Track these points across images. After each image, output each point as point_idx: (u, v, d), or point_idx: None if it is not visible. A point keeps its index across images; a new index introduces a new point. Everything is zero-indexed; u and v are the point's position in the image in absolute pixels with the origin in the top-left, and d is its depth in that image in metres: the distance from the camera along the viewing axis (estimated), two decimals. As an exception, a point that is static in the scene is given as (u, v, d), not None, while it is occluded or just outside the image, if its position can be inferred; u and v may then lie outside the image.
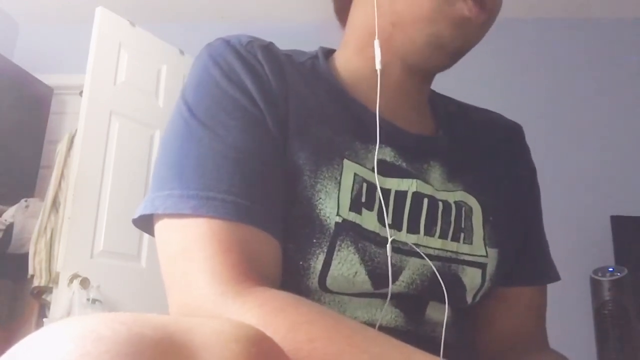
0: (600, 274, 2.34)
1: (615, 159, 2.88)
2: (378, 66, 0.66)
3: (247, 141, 0.59)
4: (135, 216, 0.60)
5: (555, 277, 0.78)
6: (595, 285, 2.33)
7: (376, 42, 0.67)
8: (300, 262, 0.60)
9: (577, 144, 2.88)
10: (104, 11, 2.56)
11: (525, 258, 0.76)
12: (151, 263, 2.53)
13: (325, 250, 0.60)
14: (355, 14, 0.73)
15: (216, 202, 0.55)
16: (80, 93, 2.55)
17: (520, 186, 0.78)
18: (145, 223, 0.60)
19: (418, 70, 0.70)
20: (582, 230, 2.70)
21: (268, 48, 0.67)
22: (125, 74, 2.59)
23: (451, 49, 0.65)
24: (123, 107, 2.56)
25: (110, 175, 2.44)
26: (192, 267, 0.53)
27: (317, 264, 0.60)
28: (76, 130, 2.56)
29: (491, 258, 0.69)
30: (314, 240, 0.60)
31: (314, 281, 0.60)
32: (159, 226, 0.58)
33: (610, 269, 2.34)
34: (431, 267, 0.64)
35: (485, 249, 0.70)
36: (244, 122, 0.60)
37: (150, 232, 0.60)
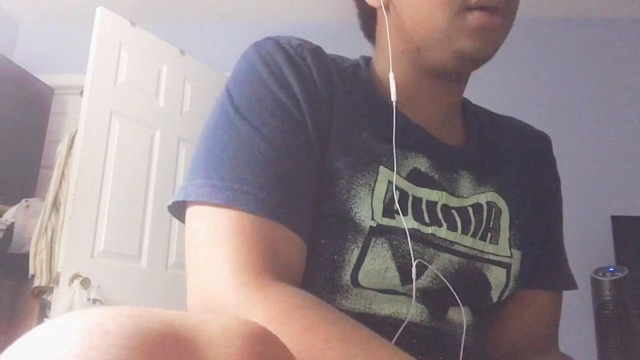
0: (600, 274, 2.34)
1: (615, 159, 2.88)
2: (393, 98, 0.67)
3: (285, 141, 0.60)
4: (169, 203, 0.61)
5: (572, 285, 0.79)
6: (596, 285, 2.33)
7: (391, 75, 0.68)
8: (335, 256, 0.61)
9: (577, 144, 2.88)
10: (104, 11, 2.56)
11: (543, 263, 0.77)
12: (152, 263, 2.52)
13: (360, 246, 0.61)
14: (381, 37, 0.73)
15: (249, 197, 0.56)
16: (81, 93, 2.55)
17: (545, 194, 0.80)
18: (179, 210, 0.62)
19: (450, 76, 0.71)
20: (582, 230, 2.69)
21: (317, 52, 0.69)
22: (125, 74, 2.59)
23: (478, 58, 0.66)
24: (123, 107, 2.56)
25: (111, 175, 2.43)
26: (217, 255, 0.54)
27: (352, 257, 0.61)
28: (76, 130, 2.56)
29: (515, 259, 0.71)
30: (349, 237, 0.61)
31: (346, 274, 0.62)
32: (190, 213, 0.59)
33: (611, 269, 2.34)
34: (456, 264, 0.66)
35: (510, 250, 0.71)
36: (285, 123, 0.61)
37: (183, 219, 0.61)
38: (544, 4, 3.02)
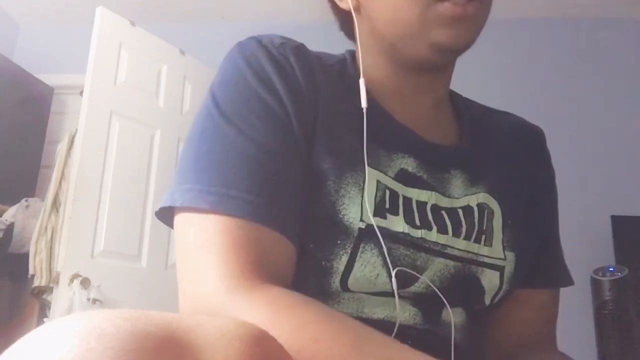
0: (600, 274, 2.34)
1: (615, 159, 2.88)
2: (364, 104, 0.66)
3: (271, 142, 0.60)
4: (157, 209, 0.61)
5: (568, 282, 0.79)
6: (596, 285, 2.33)
7: (361, 81, 0.67)
8: (323, 262, 0.61)
9: (577, 143, 2.87)
10: (104, 11, 2.56)
11: (539, 261, 0.76)
12: (151, 263, 2.52)
13: (349, 252, 0.60)
14: (357, 35, 0.72)
15: (236, 201, 0.56)
16: (81, 93, 2.55)
17: (539, 190, 0.79)
18: (167, 216, 0.61)
19: (432, 68, 0.70)
20: (582, 230, 2.69)
21: (300, 50, 0.68)
22: (125, 74, 2.59)
23: (455, 48, 0.65)
24: (123, 107, 2.56)
25: (111, 175, 2.44)
26: (206, 261, 0.54)
27: (340, 265, 0.60)
28: (76, 130, 2.56)
29: (509, 261, 0.70)
30: (338, 242, 0.60)
31: (335, 281, 0.61)
32: (178, 219, 0.59)
33: (611, 269, 2.34)
34: (452, 268, 0.65)
35: (504, 252, 0.70)
36: (270, 124, 0.61)
37: (172, 224, 0.61)
38: (544, 3, 3.02)
